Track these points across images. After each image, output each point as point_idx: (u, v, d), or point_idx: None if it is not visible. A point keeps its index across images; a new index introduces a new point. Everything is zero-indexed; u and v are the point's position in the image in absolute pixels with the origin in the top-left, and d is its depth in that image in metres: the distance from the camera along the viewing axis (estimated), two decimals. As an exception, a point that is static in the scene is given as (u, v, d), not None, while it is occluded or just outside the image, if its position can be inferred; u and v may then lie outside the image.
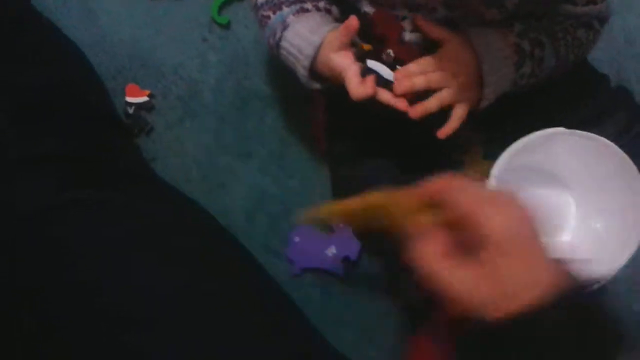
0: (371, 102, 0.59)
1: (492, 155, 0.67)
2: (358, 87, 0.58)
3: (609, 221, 0.71)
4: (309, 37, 0.61)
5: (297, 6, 0.64)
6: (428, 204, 0.47)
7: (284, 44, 0.63)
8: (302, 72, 0.63)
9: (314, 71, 0.63)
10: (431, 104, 0.59)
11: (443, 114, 0.61)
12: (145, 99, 0.81)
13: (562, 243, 0.74)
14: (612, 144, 0.65)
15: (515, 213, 0.44)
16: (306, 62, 0.61)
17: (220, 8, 0.83)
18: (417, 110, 0.59)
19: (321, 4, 0.66)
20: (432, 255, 0.44)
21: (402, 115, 0.59)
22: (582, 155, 0.68)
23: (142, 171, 0.77)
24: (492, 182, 0.65)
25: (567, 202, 0.75)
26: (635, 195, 0.65)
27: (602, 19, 0.65)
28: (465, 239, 0.44)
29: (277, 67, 0.81)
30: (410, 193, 0.48)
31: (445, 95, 0.59)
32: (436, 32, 0.60)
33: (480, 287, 0.42)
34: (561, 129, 0.67)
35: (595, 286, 0.65)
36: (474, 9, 0.60)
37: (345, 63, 0.59)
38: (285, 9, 0.64)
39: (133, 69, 0.83)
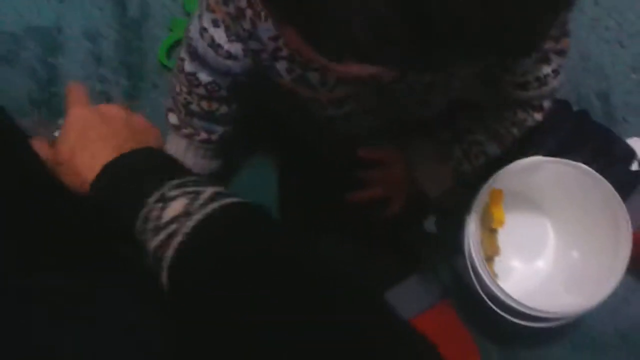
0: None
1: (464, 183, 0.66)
2: None
3: (587, 251, 0.71)
4: None
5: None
6: None
7: None
8: None
9: None
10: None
11: None
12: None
13: (539, 269, 0.74)
14: (591, 170, 0.65)
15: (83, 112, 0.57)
16: None
17: (169, 52, 0.79)
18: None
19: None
20: None
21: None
22: (561, 182, 0.68)
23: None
24: (472, 215, 0.64)
25: (545, 230, 0.74)
26: (618, 226, 0.65)
27: (553, 95, 0.62)
28: None
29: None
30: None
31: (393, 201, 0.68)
32: (381, 155, 0.66)
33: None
34: (540, 157, 0.66)
35: (569, 320, 0.65)
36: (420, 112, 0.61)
37: None
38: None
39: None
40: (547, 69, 0.57)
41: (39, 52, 0.78)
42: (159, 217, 0.47)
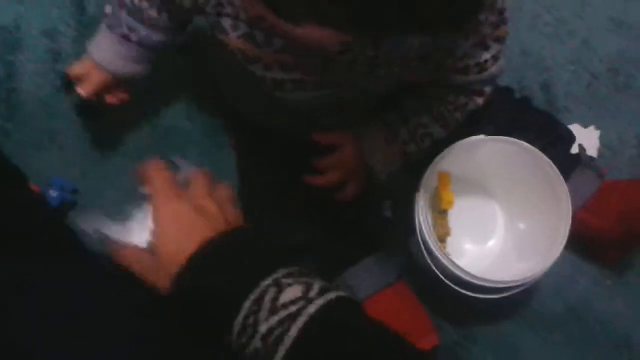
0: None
1: (410, 166, 0.69)
2: None
3: (533, 223, 0.74)
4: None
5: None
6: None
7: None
8: None
9: None
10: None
11: None
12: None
13: (491, 248, 0.77)
14: (533, 147, 0.68)
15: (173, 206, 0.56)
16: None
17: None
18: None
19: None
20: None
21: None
22: (505, 160, 0.71)
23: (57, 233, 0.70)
24: (421, 192, 0.66)
25: (494, 208, 0.78)
26: (558, 195, 0.68)
27: (494, 80, 0.65)
28: None
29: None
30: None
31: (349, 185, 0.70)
32: (333, 139, 0.68)
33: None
34: (482, 137, 0.69)
35: (521, 288, 0.68)
36: (364, 87, 0.63)
37: None
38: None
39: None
40: (486, 55, 0.61)
41: (-3, 50, 0.79)
42: (276, 299, 0.49)
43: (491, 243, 0.77)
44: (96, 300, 0.58)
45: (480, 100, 0.66)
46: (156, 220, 0.56)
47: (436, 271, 0.69)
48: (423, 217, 0.66)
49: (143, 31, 0.66)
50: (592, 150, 0.83)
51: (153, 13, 0.65)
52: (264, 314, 0.48)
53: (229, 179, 0.76)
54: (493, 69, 0.62)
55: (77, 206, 0.75)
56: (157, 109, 0.81)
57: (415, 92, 0.66)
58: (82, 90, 0.68)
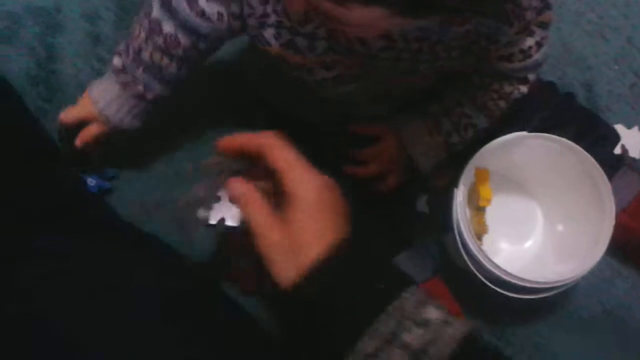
0: None
1: (453, 163, 0.68)
2: None
3: (573, 224, 0.72)
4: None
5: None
6: (246, 153, 0.51)
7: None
8: None
9: None
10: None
11: None
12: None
13: (527, 248, 0.76)
14: (574, 144, 0.67)
15: (322, 181, 0.49)
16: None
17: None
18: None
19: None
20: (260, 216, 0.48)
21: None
22: (545, 158, 0.70)
23: (95, 211, 0.71)
24: (460, 188, 0.65)
25: (532, 208, 0.76)
26: (601, 196, 0.67)
27: (538, 67, 0.64)
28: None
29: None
30: (235, 139, 0.52)
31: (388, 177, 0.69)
32: (373, 130, 0.67)
33: (281, 243, 0.47)
34: (524, 133, 0.68)
35: (559, 289, 0.66)
36: (408, 81, 0.62)
37: None
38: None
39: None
40: (530, 41, 0.59)
41: (38, 30, 0.79)
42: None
43: (528, 243, 0.76)
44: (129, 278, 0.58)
45: (524, 88, 0.64)
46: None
47: (473, 269, 0.67)
48: (461, 213, 0.65)
49: (159, 89, 0.64)
50: (635, 151, 0.81)
51: (172, 69, 0.63)
52: (406, 325, 0.45)
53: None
54: (537, 56, 0.61)
55: (113, 192, 0.75)
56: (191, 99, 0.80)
57: (457, 82, 0.65)
58: (78, 141, 0.66)
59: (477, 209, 0.75)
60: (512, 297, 0.67)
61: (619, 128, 0.82)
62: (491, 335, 0.75)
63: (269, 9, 0.55)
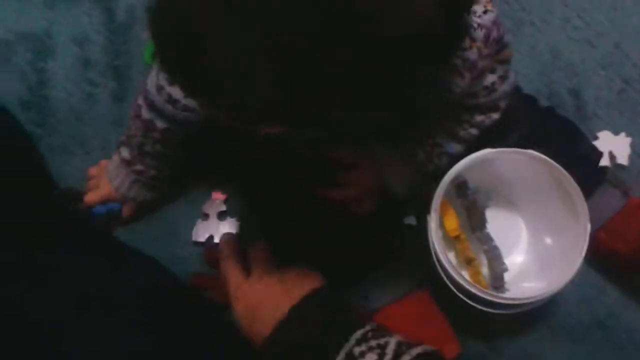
0: None
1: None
2: None
3: (555, 238, 0.72)
4: None
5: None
6: None
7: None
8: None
9: None
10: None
11: None
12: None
13: (512, 260, 0.75)
14: (552, 161, 0.66)
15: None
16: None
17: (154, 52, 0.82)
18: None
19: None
20: None
21: None
22: (525, 173, 0.70)
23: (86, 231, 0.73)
24: (432, 215, 0.65)
25: (517, 222, 0.76)
26: (577, 213, 0.66)
27: (507, 96, 0.65)
28: None
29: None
30: None
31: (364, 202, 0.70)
32: (352, 156, 0.69)
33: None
34: (492, 150, 0.67)
35: (535, 305, 0.66)
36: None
37: None
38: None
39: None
40: (492, 77, 0.61)
41: (29, 56, 0.81)
42: None
43: (513, 256, 0.75)
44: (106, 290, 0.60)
45: (496, 115, 0.65)
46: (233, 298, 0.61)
47: (452, 288, 0.67)
48: (436, 239, 0.65)
49: (170, 169, 0.71)
50: (623, 158, 0.80)
51: (176, 152, 0.69)
52: None
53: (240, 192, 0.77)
54: (503, 87, 0.62)
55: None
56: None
57: (428, 115, 0.66)
58: (88, 198, 0.73)
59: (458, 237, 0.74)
60: (491, 312, 0.67)
61: (607, 134, 0.82)
62: (482, 346, 0.75)
63: None
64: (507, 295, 0.64)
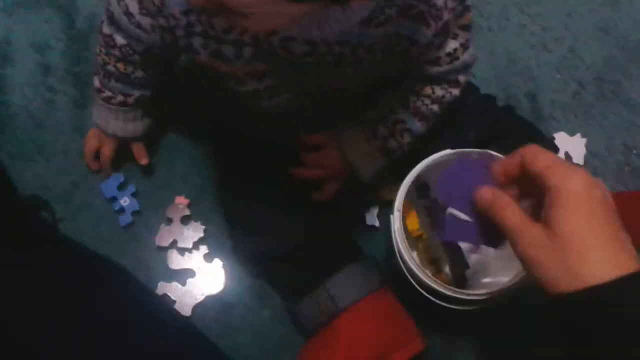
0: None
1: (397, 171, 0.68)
2: None
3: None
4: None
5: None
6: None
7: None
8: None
9: None
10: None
11: None
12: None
13: (479, 260, 0.76)
14: (499, 155, 0.67)
15: (587, 175, 0.45)
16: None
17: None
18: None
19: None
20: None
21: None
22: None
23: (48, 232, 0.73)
24: (396, 214, 0.66)
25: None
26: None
27: (467, 69, 0.65)
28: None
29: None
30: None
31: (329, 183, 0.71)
32: (317, 139, 0.70)
33: (544, 240, 0.44)
34: (450, 151, 0.67)
35: (503, 298, 0.67)
36: (338, 86, 0.65)
37: None
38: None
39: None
40: (454, 44, 0.62)
41: (-13, 63, 0.81)
42: None
43: (475, 254, 0.76)
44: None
45: (456, 91, 0.66)
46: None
47: (416, 285, 0.68)
48: (400, 238, 0.66)
49: (137, 92, 0.70)
50: (579, 158, 0.83)
51: (139, 73, 0.68)
52: None
53: (213, 186, 0.77)
54: (464, 57, 0.63)
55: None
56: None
57: (390, 89, 0.67)
58: (107, 168, 0.76)
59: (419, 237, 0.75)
60: (454, 309, 0.67)
61: (562, 135, 0.84)
62: (446, 341, 0.76)
63: (193, 18, 0.56)
64: (468, 291, 0.65)
